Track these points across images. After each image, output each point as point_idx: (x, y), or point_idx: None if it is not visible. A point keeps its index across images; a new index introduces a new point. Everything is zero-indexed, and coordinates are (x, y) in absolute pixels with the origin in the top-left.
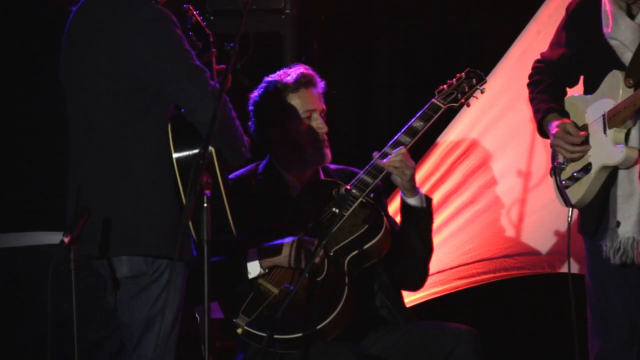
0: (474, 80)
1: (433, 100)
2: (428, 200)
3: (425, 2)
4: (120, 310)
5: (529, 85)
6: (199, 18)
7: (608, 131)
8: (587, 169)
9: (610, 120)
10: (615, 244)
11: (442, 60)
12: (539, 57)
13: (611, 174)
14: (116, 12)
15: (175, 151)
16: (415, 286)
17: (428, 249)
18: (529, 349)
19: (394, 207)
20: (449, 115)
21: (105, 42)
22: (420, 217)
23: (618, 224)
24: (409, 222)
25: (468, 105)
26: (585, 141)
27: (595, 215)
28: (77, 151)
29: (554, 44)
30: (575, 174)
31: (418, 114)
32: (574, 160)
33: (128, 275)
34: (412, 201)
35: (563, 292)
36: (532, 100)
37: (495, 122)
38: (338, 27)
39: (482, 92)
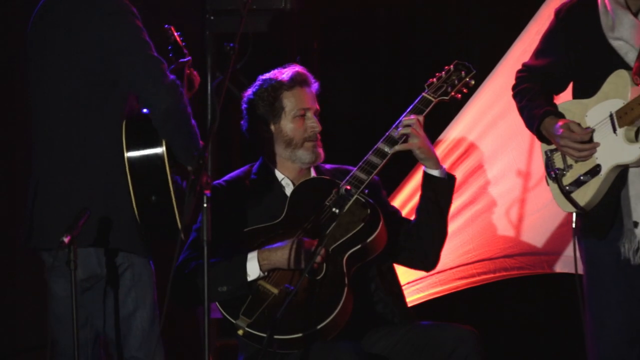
0: (462, 73)
1: (423, 94)
2: (451, 177)
3: (425, 2)
4: (92, 316)
5: (515, 95)
6: (178, 39)
7: (619, 130)
8: (595, 171)
9: (621, 119)
10: (634, 244)
11: (442, 61)
12: (520, 66)
13: (620, 174)
14: (77, 6)
15: (128, 150)
16: (429, 265)
17: (444, 226)
18: (529, 349)
19: (400, 200)
20: (449, 116)
21: (66, 37)
22: (441, 188)
23: (636, 224)
24: (429, 193)
25: (458, 98)
26: (591, 140)
27: (605, 217)
28: (37, 145)
29: (540, 51)
30: (581, 178)
31: (409, 108)
32: (581, 160)
33: (83, 278)
34: (436, 172)
35: (563, 292)
36: (523, 108)
37: (495, 123)
38: (338, 27)
39: (471, 84)
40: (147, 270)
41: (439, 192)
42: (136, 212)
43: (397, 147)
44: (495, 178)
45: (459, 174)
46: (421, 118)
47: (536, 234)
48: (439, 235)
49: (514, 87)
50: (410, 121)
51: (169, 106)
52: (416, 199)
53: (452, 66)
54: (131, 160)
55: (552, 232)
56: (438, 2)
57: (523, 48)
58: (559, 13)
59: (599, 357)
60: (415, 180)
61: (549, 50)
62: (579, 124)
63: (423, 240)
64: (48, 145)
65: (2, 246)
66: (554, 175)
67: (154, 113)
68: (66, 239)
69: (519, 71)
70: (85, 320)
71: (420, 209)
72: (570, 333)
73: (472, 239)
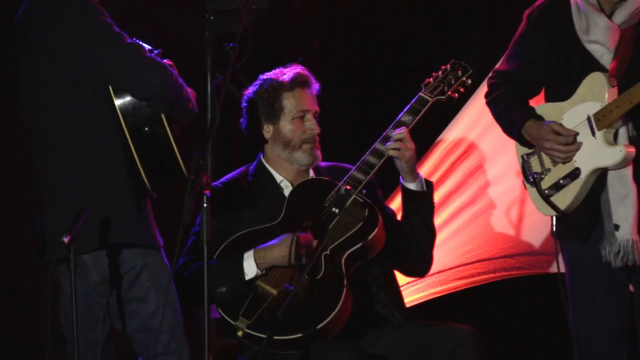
0: (459, 72)
1: (420, 93)
2: (429, 184)
3: (425, 2)
4: (114, 319)
5: (489, 103)
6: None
7: (597, 133)
8: (574, 174)
9: (599, 122)
10: (614, 247)
11: (441, 61)
12: (490, 73)
13: (599, 177)
14: (49, 10)
15: (118, 101)
16: (421, 272)
17: (431, 234)
18: (529, 348)
19: (395, 205)
20: (449, 116)
21: (42, 42)
22: (421, 201)
23: (617, 227)
24: (410, 207)
25: (455, 98)
26: (574, 142)
27: (586, 220)
28: (34, 152)
29: (511, 56)
30: (561, 181)
31: (406, 108)
32: (567, 162)
33: (98, 281)
34: (412, 186)
35: (562, 291)
36: (501, 114)
37: (495, 123)
38: (338, 27)
39: (467, 83)
40: (163, 268)
41: (418, 204)
42: (134, 153)
43: (390, 152)
44: (495, 178)
45: (459, 174)
46: (407, 130)
47: (536, 234)
48: (426, 243)
49: (486, 95)
50: (400, 135)
51: (160, 87)
52: None
53: (448, 66)
54: (122, 107)
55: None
56: (438, 2)
57: None
58: (530, 16)
59: (589, 358)
60: None
61: (521, 55)
62: (562, 125)
63: (411, 250)
64: (45, 154)
65: (2, 246)
66: (532, 180)
67: (150, 99)
68: (66, 239)
69: (489, 78)
70: (96, 320)
71: (404, 220)
72: (570, 333)
73: (472, 239)
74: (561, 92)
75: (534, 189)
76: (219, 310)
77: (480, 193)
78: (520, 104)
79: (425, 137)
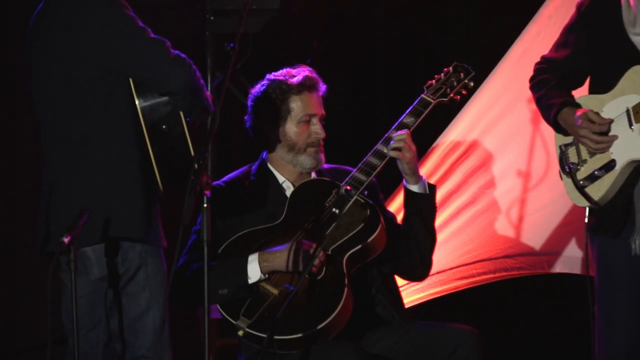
0: (461, 74)
1: (422, 95)
2: (432, 187)
3: (424, 1)
4: (107, 315)
5: (532, 87)
6: None
7: (635, 125)
8: (610, 165)
9: (638, 114)
10: None
11: (441, 62)
12: (538, 59)
13: (634, 170)
14: (71, 4)
15: (139, 98)
16: (420, 277)
17: (432, 237)
18: (530, 349)
19: (395, 205)
20: (449, 116)
21: (64, 35)
22: (423, 204)
23: None
24: (412, 209)
25: (457, 100)
26: (608, 132)
27: (619, 214)
28: (45, 146)
29: (560, 44)
30: (596, 173)
31: (408, 110)
32: (598, 152)
33: (99, 277)
34: (415, 188)
35: (563, 292)
36: (541, 98)
37: (495, 123)
38: (338, 27)
39: (470, 86)
40: (160, 271)
41: (420, 207)
42: (150, 150)
43: (392, 154)
44: (495, 178)
45: (459, 174)
46: (409, 132)
47: (536, 234)
48: (426, 246)
49: (531, 79)
50: (401, 136)
51: (184, 82)
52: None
53: (451, 68)
54: (144, 109)
55: (552, 232)
56: (438, 2)
57: (523, 49)
58: (580, 7)
59: (608, 356)
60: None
61: (569, 44)
62: (597, 114)
63: (410, 252)
64: (57, 147)
65: (2, 246)
66: (568, 170)
67: (172, 94)
68: (66, 239)
69: (537, 63)
70: (99, 321)
71: (404, 223)
72: (570, 333)
73: (472, 239)
74: (604, 83)
75: (569, 180)
76: (220, 309)
77: (481, 193)
78: (561, 91)
79: (426, 138)
